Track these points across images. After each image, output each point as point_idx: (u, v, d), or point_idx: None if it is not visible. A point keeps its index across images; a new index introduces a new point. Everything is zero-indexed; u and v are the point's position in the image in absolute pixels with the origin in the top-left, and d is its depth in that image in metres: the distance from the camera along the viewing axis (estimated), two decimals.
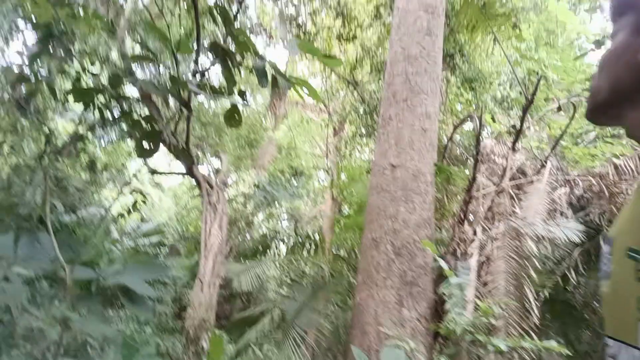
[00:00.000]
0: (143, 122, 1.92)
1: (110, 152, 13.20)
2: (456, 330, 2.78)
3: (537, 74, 4.13)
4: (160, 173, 11.23)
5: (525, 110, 3.98)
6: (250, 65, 1.85)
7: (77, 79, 2.81)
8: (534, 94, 3.92)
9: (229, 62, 1.75)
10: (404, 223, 4.08)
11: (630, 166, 4.07)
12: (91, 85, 2.76)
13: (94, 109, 2.61)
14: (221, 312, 11.26)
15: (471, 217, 4.20)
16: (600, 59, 0.70)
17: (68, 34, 2.60)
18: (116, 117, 2.37)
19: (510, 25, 5.47)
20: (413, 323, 3.86)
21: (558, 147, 5.06)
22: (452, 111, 7.24)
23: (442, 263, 2.98)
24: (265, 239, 15.97)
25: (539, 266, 3.34)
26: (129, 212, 5.17)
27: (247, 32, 7.91)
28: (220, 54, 1.69)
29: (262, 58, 1.89)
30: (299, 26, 7.33)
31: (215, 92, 1.97)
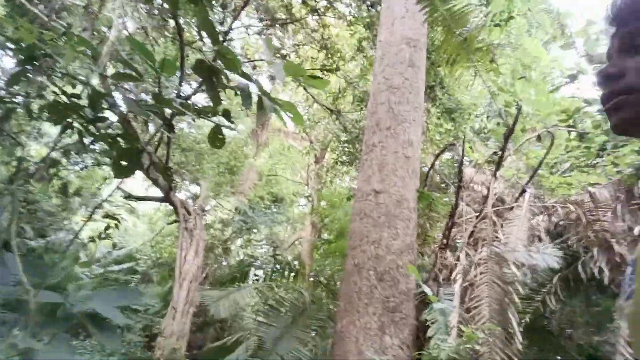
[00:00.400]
0: (121, 141, 1.87)
1: (85, 177, 12.85)
2: (440, 357, 2.73)
3: (517, 104, 4.29)
4: (136, 198, 10.97)
5: (507, 137, 4.11)
6: (236, 85, 1.84)
7: (56, 102, 2.75)
8: (514, 123, 4.06)
9: (215, 81, 1.74)
10: (387, 249, 4.06)
11: (605, 194, 4.21)
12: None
13: (72, 129, 2.55)
14: (194, 341, 10.83)
15: (454, 242, 4.22)
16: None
17: (51, 57, 2.55)
18: (94, 138, 2.30)
19: (488, 60, 5.72)
20: (395, 350, 3.78)
21: (535, 176, 5.21)
22: (432, 140, 7.40)
23: (426, 289, 2.95)
24: (242, 265, 15.67)
25: (521, 291, 3.36)
26: (99, 236, 4.98)
27: None
28: (206, 72, 1.68)
29: (248, 78, 1.89)
30: (283, 57, 7.48)
31: (200, 113, 1.95)
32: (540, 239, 4.69)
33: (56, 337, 1.82)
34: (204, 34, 1.78)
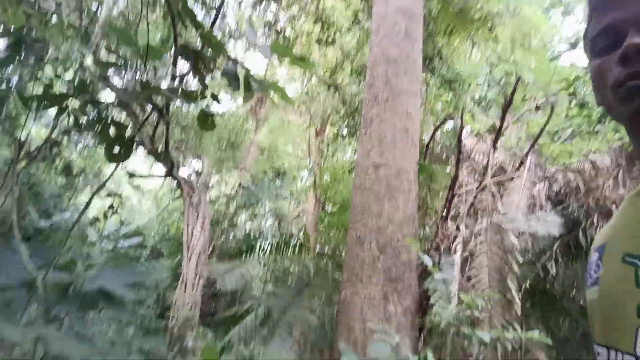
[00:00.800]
0: (113, 128, 1.90)
1: (87, 157, 12.91)
2: (441, 323, 2.85)
3: (515, 75, 4.26)
4: (139, 176, 11.06)
5: (505, 109, 4.11)
6: (223, 69, 1.85)
7: (49, 86, 2.75)
8: (512, 93, 4.05)
9: (201, 66, 1.76)
10: (388, 221, 4.14)
11: (606, 161, 4.24)
12: (64, 91, 2.69)
13: (68, 115, 2.58)
14: (206, 310, 11.19)
15: (455, 213, 4.30)
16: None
17: (40, 41, 2.54)
18: (84, 126, 2.32)
19: (486, 29, 5.63)
20: (398, 318, 3.92)
21: (536, 144, 5.22)
22: (432, 112, 7.37)
23: (427, 259, 3.05)
24: (248, 238, 15.96)
25: (520, 259, 3.45)
26: (105, 215, 5.08)
27: (227, 37, 7.87)
28: (192, 57, 1.69)
29: (234, 61, 1.90)
30: (277, 32, 7.35)
31: (189, 97, 1.97)
32: (541, 207, 4.77)
33: (69, 315, 1.92)
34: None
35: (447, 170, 5.59)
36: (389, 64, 4.74)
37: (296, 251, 5.27)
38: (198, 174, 13.20)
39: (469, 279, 3.52)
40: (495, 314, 3.19)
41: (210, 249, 11.10)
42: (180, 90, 2.01)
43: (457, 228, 4.27)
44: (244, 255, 5.24)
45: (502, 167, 5.61)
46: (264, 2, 7.25)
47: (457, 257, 3.48)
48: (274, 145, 14.15)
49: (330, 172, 10.02)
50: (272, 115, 13.33)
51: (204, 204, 10.83)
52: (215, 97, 1.87)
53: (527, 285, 4.03)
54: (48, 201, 7.08)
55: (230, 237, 14.13)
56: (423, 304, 3.98)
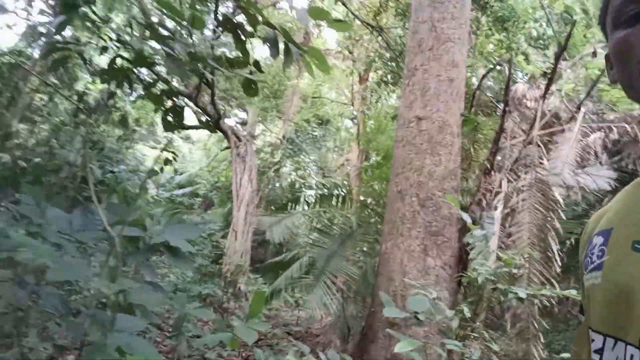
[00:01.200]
0: (165, 97, 2.01)
1: (140, 107, 13.49)
2: (478, 279, 2.90)
3: (572, 16, 3.87)
4: (189, 127, 11.46)
5: (557, 57, 3.79)
6: (263, 36, 1.86)
7: (105, 48, 2.89)
8: (567, 39, 3.70)
9: (241, 34, 1.78)
10: (429, 175, 4.12)
11: None
12: (119, 52, 2.83)
13: (129, 82, 2.74)
14: (256, 256, 11.91)
15: (499, 166, 4.18)
16: None
17: (92, 3, 2.65)
18: (141, 97, 2.46)
19: None
20: (437, 271, 4.02)
21: (595, 89, 4.83)
22: (483, 54, 6.92)
23: (466, 217, 3.05)
24: (293, 187, 16.39)
25: (563, 216, 3.36)
26: (161, 169, 5.42)
27: None
28: (232, 27, 1.71)
29: (273, 27, 1.90)
30: None
31: (232, 65, 2.01)
32: (597, 157, 4.50)
33: (141, 265, 2.15)
34: None
35: (495, 120, 5.34)
36: (434, 7, 4.46)
37: (339, 202, 5.40)
38: (243, 124, 13.48)
39: (509, 235, 3.49)
40: (534, 270, 3.19)
41: (258, 198, 11.57)
42: (224, 59, 2.06)
43: (500, 182, 4.17)
44: (289, 207, 5.44)
45: (556, 114, 5.27)
46: None
47: (497, 214, 3.43)
48: (317, 92, 13.99)
49: (374, 120, 9.85)
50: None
51: (250, 154, 11.13)
52: (257, 65, 1.91)
53: (573, 241, 3.94)
54: (110, 156, 7.60)
55: (276, 186, 14.59)
56: (463, 258, 4.03)
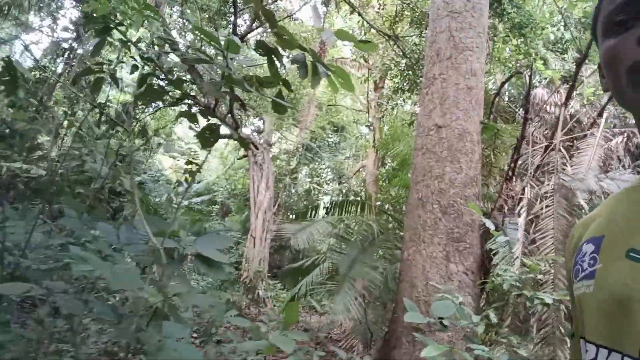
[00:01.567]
0: (200, 116, 2.14)
1: (159, 118, 13.80)
2: (503, 286, 2.94)
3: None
4: (207, 137, 11.69)
5: (579, 64, 3.81)
6: (292, 58, 1.97)
7: (135, 67, 3.05)
8: (588, 46, 3.73)
9: (274, 59, 1.89)
10: (450, 183, 4.17)
11: None
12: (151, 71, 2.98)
13: (165, 103, 2.90)
14: (272, 262, 12.04)
15: (521, 171, 4.21)
16: None
17: (122, 25, 2.81)
18: (179, 116, 2.61)
19: None
20: (460, 277, 4.05)
21: None
22: (500, 60, 6.95)
23: (489, 223, 3.09)
24: (309, 194, 16.52)
25: None
26: (186, 180, 5.57)
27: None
28: (266, 51, 1.82)
29: (303, 49, 2.01)
30: None
31: (263, 85, 2.11)
32: (620, 161, 4.49)
33: (177, 274, 2.25)
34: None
35: (514, 126, 5.36)
36: (452, 17, 4.53)
37: (358, 209, 5.47)
38: (260, 132, 13.68)
39: (533, 241, 3.51)
40: (560, 276, 3.20)
41: (276, 206, 11.70)
42: (254, 79, 2.18)
43: (522, 189, 4.19)
44: (310, 214, 5.55)
45: (578, 119, 5.27)
46: None
47: (521, 220, 3.46)
48: (332, 99, 14.13)
49: (390, 126, 9.92)
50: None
51: (267, 161, 11.30)
52: (287, 84, 2.02)
53: None
54: (136, 167, 7.82)
55: (292, 192, 14.73)
56: (485, 264, 4.06)
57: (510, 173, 4.05)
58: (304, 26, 10.59)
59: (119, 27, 2.91)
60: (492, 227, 3.00)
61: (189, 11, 8.08)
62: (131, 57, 3.46)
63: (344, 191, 15.61)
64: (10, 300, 2.90)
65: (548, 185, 3.61)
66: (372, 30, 8.45)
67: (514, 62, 7.36)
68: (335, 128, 14.03)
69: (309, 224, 5.38)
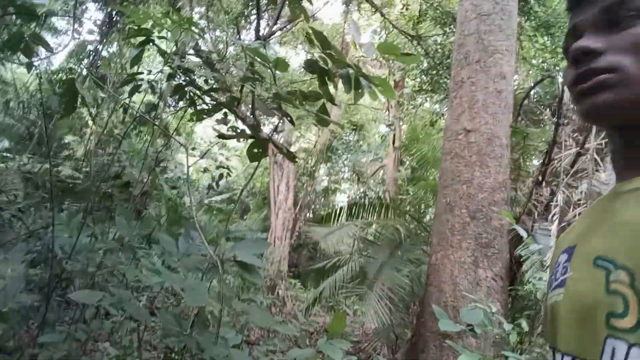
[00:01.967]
0: (249, 130, 2.19)
1: (180, 117, 13.97)
2: (537, 294, 2.93)
3: None
4: (229, 137, 11.83)
5: None
6: (339, 74, 2.01)
7: (171, 75, 3.14)
8: None
9: (325, 77, 1.93)
10: (479, 187, 4.15)
11: None
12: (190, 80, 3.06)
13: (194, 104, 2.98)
14: (290, 260, 12.15)
15: (551, 176, 4.16)
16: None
17: (163, 38, 2.89)
18: (229, 137, 2.69)
19: None
20: (488, 282, 4.04)
21: None
22: (526, 59, 6.85)
23: (521, 231, 3.07)
24: (327, 192, 16.53)
25: None
26: (217, 184, 5.69)
27: None
28: (317, 70, 1.86)
29: (349, 66, 2.04)
30: None
31: (306, 99, 2.16)
32: None
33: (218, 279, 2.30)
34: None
35: (543, 128, 5.29)
36: (481, 20, 4.49)
37: (383, 212, 5.49)
38: (279, 131, 13.77)
39: None
40: None
41: (298, 207, 11.79)
42: (300, 93, 2.23)
43: (552, 193, 4.14)
44: (333, 217, 5.59)
45: None
46: None
47: (554, 228, 3.43)
48: (351, 98, 14.08)
49: (411, 126, 9.88)
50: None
51: (287, 161, 11.39)
52: (331, 99, 2.05)
53: None
54: (164, 169, 7.96)
55: (309, 190, 14.80)
56: (514, 269, 4.03)
57: (540, 178, 4.01)
58: (324, 25, 10.60)
59: (158, 39, 2.99)
60: (524, 234, 2.99)
61: (211, 14, 8.18)
62: (169, 66, 3.55)
63: (361, 190, 15.63)
64: (55, 302, 3.01)
65: (582, 192, 3.57)
66: (394, 30, 8.41)
67: (540, 61, 7.25)
68: (355, 127, 14.02)
69: (337, 227, 5.42)
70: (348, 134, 14.27)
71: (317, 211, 17.12)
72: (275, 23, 8.40)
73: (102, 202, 3.47)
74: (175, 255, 1.66)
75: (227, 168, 5.37)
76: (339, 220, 5.48)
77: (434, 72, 7.30)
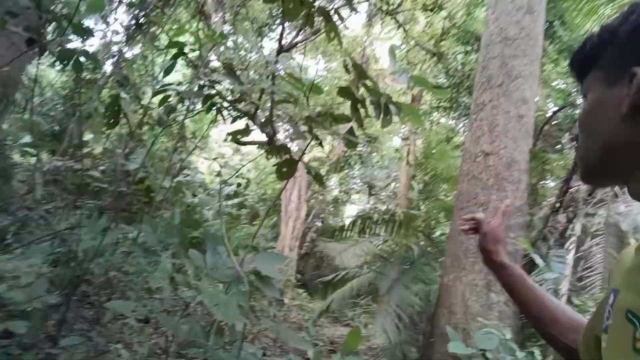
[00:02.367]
0: (280, 151, 2.25)
1: (196, 121, 14.16)
2: None
3: None
4: (245, 143, 11.97)
5: None
6: (370, 100, 2.07)
7: (201, 87, 3.22)
8: None
9: (357, 105, 1.99)
10: (495, 211, 4.14)
11: None
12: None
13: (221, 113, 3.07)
14: (296, 268, 12.16)
15: (569, 204, 4.14)
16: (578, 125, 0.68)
17: (196, 51, 2.96)
18: (262, 145, 2.78)
19: None
20: (500, 307, 4.02)
21: None
22: (547, 83, 6.84)
23: (538, 259, 3.07)
24: (337, 202, 16.49)
25: None
26: (235, 194, 5.76)
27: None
28: (351, 98, 1.92)
29: (380, 95, 2.09)
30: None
31: (336, 121, 2.21)
32: None
33: (235, 291, 2.33)
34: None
35: (561, 153, 5.27)
36: (506, 44, 4.51)
37: (394, 229, 5.50)
38: (293, 139, 13.86)
39: (580, 279, 3.46)
40: None
41: (310, 217, 11.82)
42: (330, 115, 2.28)
43: (568, 220, 4.13)
44: (346, 231, 5.62)
45: None
46: None
47: (570, 257, 3.42)
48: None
49: (426, 141, 9.89)
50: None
51: (300, 169, 11.46)
52: (361, 125, 2.10)
53: None
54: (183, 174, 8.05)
55: (319, 198, 14.82)
56: None
57: (558, 205, 3.99)
58: (346, 36, 10.68)
59: (191, 52, 3.08)
60: (541, 263, 2.98)
61: (236, 21, 8.32)
62: (199, 78, 3.63)
63: (372, 202, 15.60)
64: (72, 306, 3.06)
65: (598, 221, 3.55)
66: (416, 46, 8.46)
67: (561, 84, 7.23)
68: (369, 139, 14.05)
69: (352, 243, 5.45)
70: (362, 145, 14.29)
71: (326, 220, 17.14)
72: (299, 34, 8.52)
73: (128, 205, 3.55)
74: (203, 269, 1.71)
75: (247, 180, 5.44)
76: (351, 234, 5.50)
77: (454, 90, 7.32)
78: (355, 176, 15.57)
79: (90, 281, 3.31)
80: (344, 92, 1.94)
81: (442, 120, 11.26)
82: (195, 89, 2.99)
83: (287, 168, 2.09)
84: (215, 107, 3.27)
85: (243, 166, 6.62)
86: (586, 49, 0.66)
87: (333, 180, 15.99)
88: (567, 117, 6.65)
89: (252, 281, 2.54)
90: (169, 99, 3.63)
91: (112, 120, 1.97)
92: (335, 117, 2.14)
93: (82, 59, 1.97)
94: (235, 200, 16.03)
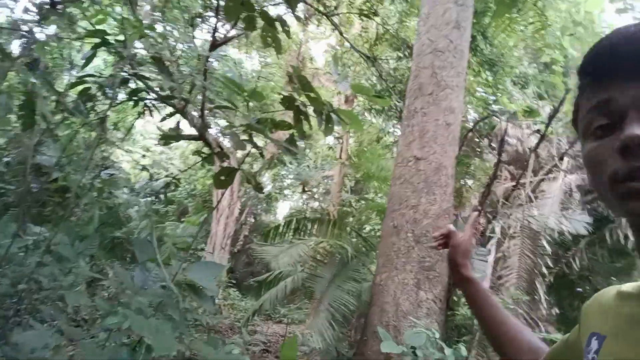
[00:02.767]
0: (217, 158, 2.16)
1: (120, 111, 13.21)
2: (473, 323, 3.14)
3: (564, 76, 4.26)
4: (173, 138, 11.39)
5: (550, 118, 4.15)
6: (314, 110, 2.07)
7: (126, 80, 3.02)
8: (560, 104, 4.08)
9: (301, 115, 1.97)
10: (424, 213, 4.37)
11: None
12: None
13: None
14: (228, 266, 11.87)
15: (489, 205, 4.48)
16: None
17: (121, 42, 2.78)
18: (204, 159, 2.66)
19: (537, 13, 5.50)
20: (429, 304, 4.26)
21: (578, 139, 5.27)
22: (470, 91, 7.32)
23: None
24: (269, 198, 16.37)
25: (551, 264, 3.68)
26: (166, 196, 5.44)
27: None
28: (294, 108, 1.90)
29: (324, 104, 2.10)
30: (318, 0, 7.24)
31: (277, 127, 2.18)
32: (571, 195, 4.90)
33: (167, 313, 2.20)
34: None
35: (482, 159, 5.69)
36: (436, 55, 4.75)
37: (328, 228, 5.58)
38: (226, 135, 13.46)
39: (499, 277, 3.77)
40: (522, 311, 3.47)
41: (243, 214, 11.56)
42: (270, 122, 2.23)
43: (489, 221, 4.47)
44: (281, 232, 5.58)
45: (537, 153, 5.68)
46: None
47: (490, 258, 3.71)
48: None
49: (358, 140, 10.17)
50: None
51: (233, 166, 11.16)
52: (303, 135, 2.08)
53: (551, 279, 4.28)
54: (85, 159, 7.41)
55: (251, 194, 14.61)
56: (452, 292, 4.29)
57: (480, 208, 4.31)
58: (280, 34, 10.58)
59: (114, 42, 2.84)
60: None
61: (163, 12, 7.85)
62: (124, 71, 3.36)
63: (305, 198, 15.72)
64: None
65: (516, 227, 3.89)
66: (350, 50, 8.60)
67: (482, 93, 7.79)
68: (302, 135, 14.10)
69: (289, 246, 5.43)
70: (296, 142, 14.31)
71: (258, 217, 16.96)
72: (234, 26, 8.27)
73: (40, 205, 3.20)
74: (131, 289, 1.58)
75: (177, 179, 5.16)
76: (286, 236, 5.48)
77: (386, 93, 7.57)
78: (289, 172, 15.57)
79: None
80: (287, 101, 1.90)
81: (373, 120, 11.64)
82: (119, 80, 2.77)
83: (225, 176, 2.01)
84: (142, 100, 3.07)
85: (172, 164, 6.25)
86: None
87: (266, 177, 15.86)
88: (485, 125, 7.19)
89: (186, 294, 2.42)
90: (89, 90, 3.33)
91: (27, 121, 1.74)
92: (277, 123, 2.10)
93: None
94: (163, 197, 15.23)
